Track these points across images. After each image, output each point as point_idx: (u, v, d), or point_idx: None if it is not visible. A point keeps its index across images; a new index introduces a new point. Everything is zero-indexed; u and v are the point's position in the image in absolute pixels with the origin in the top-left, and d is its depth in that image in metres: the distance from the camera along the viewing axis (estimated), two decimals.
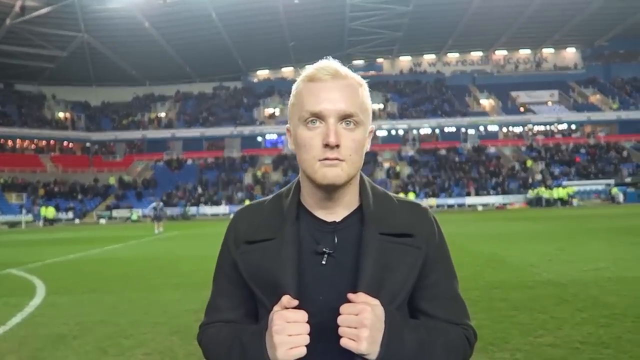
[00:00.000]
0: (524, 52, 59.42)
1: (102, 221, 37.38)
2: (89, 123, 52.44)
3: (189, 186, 43.95)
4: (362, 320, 0.92)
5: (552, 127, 51.18)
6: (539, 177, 41.07)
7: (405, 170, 44.44)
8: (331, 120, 0.99)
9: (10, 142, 48.56)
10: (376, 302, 0.96)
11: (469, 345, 1.10)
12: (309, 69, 1.05)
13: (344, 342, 0.92)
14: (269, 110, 53.56)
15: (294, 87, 1.07)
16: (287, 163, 47.40)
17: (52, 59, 48.58)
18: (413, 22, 47.04)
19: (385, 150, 48.10)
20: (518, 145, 48.51)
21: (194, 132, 50.70)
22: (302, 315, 0.94)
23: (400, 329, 0.97)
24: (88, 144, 51.95)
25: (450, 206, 38.58)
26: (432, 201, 38.16)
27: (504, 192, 39.32)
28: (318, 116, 1.00)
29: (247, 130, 50.49)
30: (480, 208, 36.86)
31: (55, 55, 47.59)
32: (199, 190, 43.15)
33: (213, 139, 51.67)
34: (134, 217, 37.44)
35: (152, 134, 51.25)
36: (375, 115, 50.88)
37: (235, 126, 50.30)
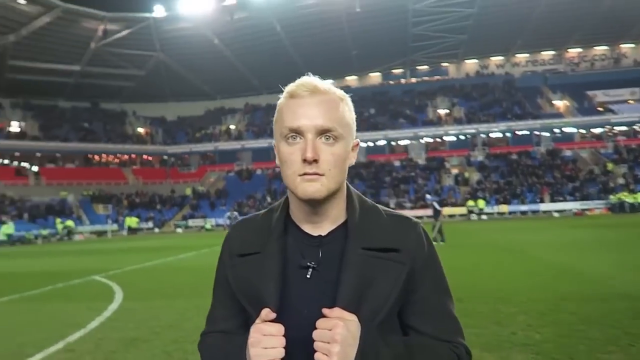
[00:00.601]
0: (600, 49, 55.66)
1: (179, 230, 39.31)
2: (165, 137, 55.51)
3: (258, 195, 45.22)
4: (334, 335, 0.92)
5: (635, 127, 47.43)
6: (621, 180, 38.18)
7: (475, 176, 43.03)
8: (309, 135, 1.00)
9: (96, 157, 52.53)
10: (352, 317, 0.96)
11: None
12: (290, 86, 1.07)
13: (317, 357, 0.93)
14: None
15: (278, 103, 1.09)
16: (353, 171, 47.50)
17: (131, 78, 52.04)
18: (478, 23, 45.71)
19: (453, 156, 46.90)
20: (596, 148, 45.40)
21: (263, 142, 52.13)
22: (278, 328, 0.96)
23: (376, 345, 0.96)
24: (165, 157, 55.01)
25: (523, 213, 36.82)
26: (504, 208, 36.65)
27: (583, 198, 36.90)
28: (297, 132, 1.01)
29: None
30: (556, 215, 34.87)
31: (134, 74, 50.96)
32: (268, 199, 44.25)
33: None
34: (208, 226, 39.03)
35: (223, 145, 53.34)
36: (442, 121, 50.07)
37: None
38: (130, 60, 48.11)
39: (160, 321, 6.55)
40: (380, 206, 1.15)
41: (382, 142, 50.08)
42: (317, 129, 1.01)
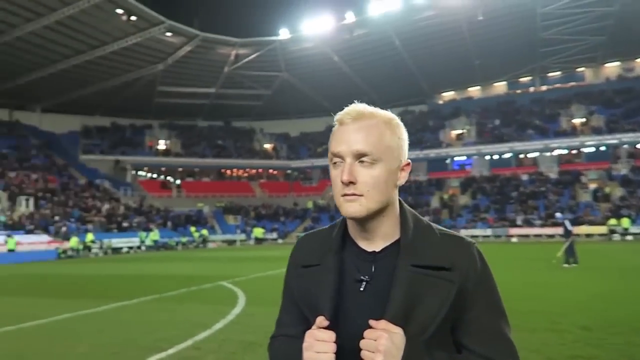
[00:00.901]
0: None
1: None
2: (289, 152, 58.40)
3: None
4: (378, 345, 0.99)
5: None
6: None
7: (617, 191, 38.56)
8: (348, 159, 1.10)
9: (228, 171, 57.14)
10: (397, 330, 1.02)
11: None
12: (338, 114, 1.16)
13: None
14: (455, 132, 52.36)
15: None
16: (476, 185, 45.46)
17: (259, 97, 55.78)
18: (620, 22, 41.17)
19: (591, 170, 42.57)
20: None
21: None
22: (330, 335, 1.05)
23: (420, 358, 1.02)
24: (289, 171, 57.82)
25: None
26: None
27: None
28: (339, 156, 1.11)
29: (433, 152, 50.07)
30: None
31: (262, 93, 54.57)
32: None
33: None
34: None
35: None
36: (577, 131, 45.79)
37: (421, 149, 50.42)
38: (259, 81, 51.62)
39: None
40: (435, 225, 1.20)
41: (507, 155, 47.28)
42: (354, 153, 1.10)
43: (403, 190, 47.66)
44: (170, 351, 5.97)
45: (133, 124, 55.63)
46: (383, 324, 1.03)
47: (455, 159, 50.92)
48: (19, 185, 36.43)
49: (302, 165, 56.96)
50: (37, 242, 29.61)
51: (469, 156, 49.87)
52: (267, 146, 58.99)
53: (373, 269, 1.14)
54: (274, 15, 55.31)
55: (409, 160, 1.19)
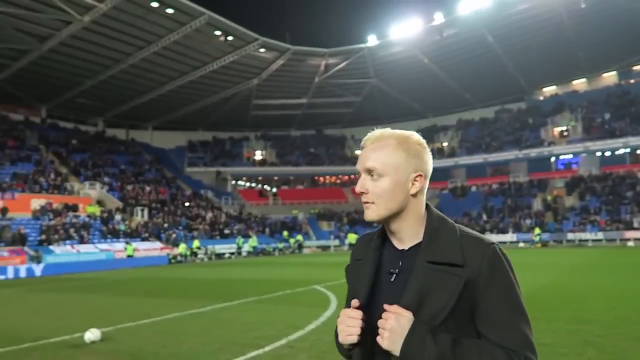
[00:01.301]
0: None
1: None
2: None
3: (474, 213, 43.73)
4: (385, 324, 1.23)
5: None
6: None
7: None
8: (362, 175, 1.38)
9: (321, 179, 58.35)
10: (406, 313, 1.23)
11: None
12: (363, 139, 1.43)
13: (377, 338, 1.25)
14: (558, 129, 48.93)
15: None
16: (584, 185, 42.13)
17: (349, 105, 56.39)
18: None
19: None
20: None
21: (477, 158, 50.38)
22: (358, 314, 1.29)
23: (422, 337, 1.20)
24: None
25: None
26: None
27: None
28: (359, 172, 1.40)
29: (534, 152, 47.21)
30: None
31: (352, 101, 55.11)
32: (484, 217, 42.42)
33: (497, 164, 50.26)
34: None
35: (436, 163, 52.82)
36: None
37: (520, 149, 47.80)
38: (348, 88, 52.23)
39: None
40: (461, 227, 1.36)
41: (621, 151, 43.24)
42: (365, 169, 1.37)
43: (500, 193, 45.68)
44: (267, 348, 6.42)
45: (232, 137, 58.98)
46: (395, 307, 1.24)
47: (560, 157, 47.58)
48: (135, 197, 40.21)
49: None
50: (151, 248, 32.49)
51: (575, 154, 46.31)
52: (358, 152, 59.26)
53: (400, 264, 1.36)
54: (361, 23, 55.98)
55: (421, 173, 1.37)
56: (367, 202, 1.35)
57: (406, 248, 1.38)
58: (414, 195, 1.36)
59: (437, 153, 54.65)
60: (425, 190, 1.40)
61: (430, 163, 1.41)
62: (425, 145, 1.42)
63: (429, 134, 58.09)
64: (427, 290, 1.26)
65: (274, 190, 56.41)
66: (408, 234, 1.37)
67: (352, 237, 41.36)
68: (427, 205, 1.40)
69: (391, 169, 1.34)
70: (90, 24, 32.25)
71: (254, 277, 18.05)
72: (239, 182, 56.57)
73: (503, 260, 1.31)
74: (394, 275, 1.36)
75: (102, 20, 32.25)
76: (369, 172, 1.36)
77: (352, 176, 57.21)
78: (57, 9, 29.85)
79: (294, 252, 39.47)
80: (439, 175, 52.05)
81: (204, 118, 55.08)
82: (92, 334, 7.26)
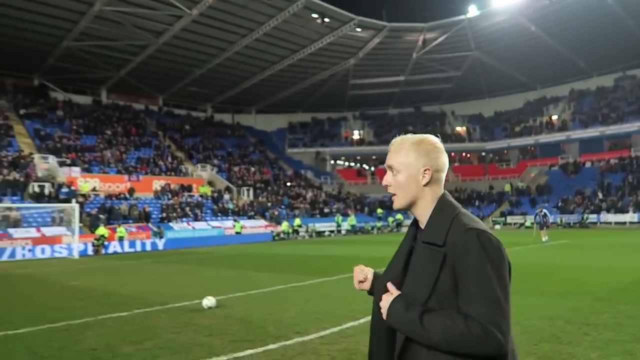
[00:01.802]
0: None
1: (497, 227, 39.10)
2: (483, 133, 55.82)
3: (587, 191, 40.53)
4: (382, 302, 1.61)
5: None
6: None
7: None
8: (388, 171, 1.70)
9: None
10: (395, 291, 1.58)
11: (468, 332, 1.39)
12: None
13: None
14: None
15: None
16: None
17: (449, 80, 54.44)
18: None
19: None
20: None
21: (592, 132, 46.33)
22: (368, 270, 1.84)
23: (397, 308, 1.53)
24: (483, 153, 55.37)
25: None
26: None
27: None
28: (386, 169, 1.73)
29: None
30: None
31: (451, 76, 53.13)
32: (600, 195, 39.14)
33: (616, 137, 45.81)
34: (528, 223, 37.46)
35: (545, 138, 49.87)
36: None
37: None
38: (448, 63, 50.40)
39: None
40: (462, 214, 1.60)
41: None
42: (387, 167, 1.70)
43: (620, 169, 41.47)
44: (362, 320, 6.89)
45: (330, 117, 59.96)
46: (389, 285, 1.61)
47: None
48: (241, 178, 42.83)
49: (498, 147, 53.95)
50: (256, 226, 34.59)
51: None
52: (459, 129, 57.31)
53: (416, 241, 1.70)
54: None
55: (429, 167, 1.64)
56: (393, 194, 1.68)
57: (422, 228, 1.67)
58: (426, 185, 1.65)
59: (546, 127, 51.09)
60: (441, 181, 1.68)
61: (441, 159, 1.68)
62: (438, 144, 1.70)
63: (538, 107, 54.38)
64: (420, 264, 1.57)
65: (372, 169, 56.65)
66: (423, 218, 1.67)
67: None
68: (443, 194, 1.68)
69: (405, 166, 1.64)
70: (199, 16, 34.58)
71: (352, 254, 18.65)
72: (338, 162, 57.57)
73: (484, 244, 1.48)
74: (413, 248, 1.69)
75: (209, 12, 34.40)
76: (391, 169, 1.68)
77: (453, 153, 55.43)
78: (169, 4, 32.38)
79: (392, 230, 39.63)
80: (548, 150, 48.80)
81: (303, 100, 56.57)
82: (208, 301, 8.25)
